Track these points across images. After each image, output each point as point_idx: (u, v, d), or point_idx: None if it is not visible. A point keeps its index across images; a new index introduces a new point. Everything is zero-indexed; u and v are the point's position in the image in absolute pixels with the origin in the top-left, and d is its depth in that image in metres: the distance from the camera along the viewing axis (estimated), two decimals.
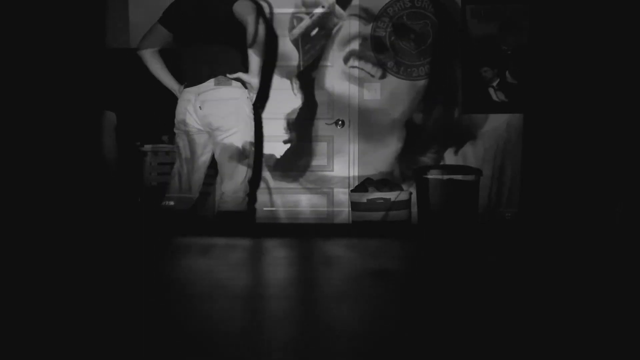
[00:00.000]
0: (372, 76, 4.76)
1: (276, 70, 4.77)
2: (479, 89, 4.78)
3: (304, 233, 4.25)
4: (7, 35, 3.29)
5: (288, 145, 4.82)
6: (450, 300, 1.31)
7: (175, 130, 3.35)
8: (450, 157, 4.78)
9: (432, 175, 4.32)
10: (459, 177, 4.34)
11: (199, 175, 3.34)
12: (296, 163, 4.83)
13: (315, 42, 4.75)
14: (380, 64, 4.76)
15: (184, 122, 3.24)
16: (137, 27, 4.89)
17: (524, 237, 3.06)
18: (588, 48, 4.00)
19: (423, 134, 4.76)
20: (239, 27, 3.06)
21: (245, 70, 3.12)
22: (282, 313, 1.21)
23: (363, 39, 4.77)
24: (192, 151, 3.28)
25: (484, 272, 1.70)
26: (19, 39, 3.36)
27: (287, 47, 4.76)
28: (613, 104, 3.87)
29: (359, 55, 4.76)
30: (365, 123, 4.80)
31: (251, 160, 3.25)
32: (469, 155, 4.77)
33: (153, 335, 1.03)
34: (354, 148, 4.82)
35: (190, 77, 3.22)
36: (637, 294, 1.41)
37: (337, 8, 4.73)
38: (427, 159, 4.79)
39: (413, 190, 4.56)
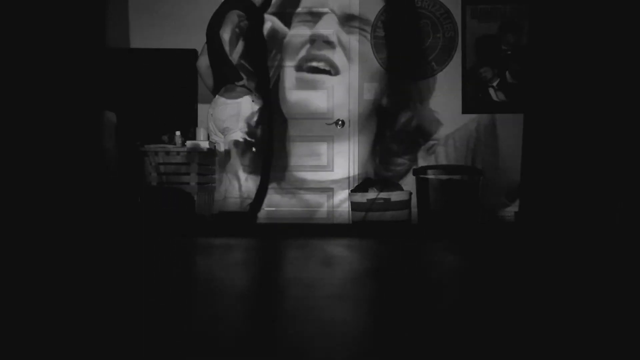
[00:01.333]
0: (328, 72, 4.77)
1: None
2: (479, 89, 4.78)
3: (304, 233, 4.25)
4: (7, 36, 3.29)
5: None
6: (449, 300, 1.32)
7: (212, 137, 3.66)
8: (423, 157, 4.77)
9: (432, 175, 4.32)
10: (459, 177, 4.34)
11: (241, 179, 3.45)
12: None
13: (272, 62, 4.78)
14: (332, 63, 4.78)
15: (209, 134, 3.60)
16: (137, 27, 4.90)
17: (524, 237, 3.07)
18: (588, 48, 3.99)
19: (391, 135, 4.76)
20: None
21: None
22: (282, 313, 1.21)
23: (311, 41, 4.77)
24: (231, 157, 3.50)
25: (483, 271, 1.71)
26: (19, 39, 3.36)
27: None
28: (613, 103, 3.87)
29: (309, 58, 4.77)
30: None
31: (255, 163, 3.29)
32: (441, 154, 4.77)
33: (152, 335, 1.03)
34: (354, 148, 4.82)
35: (213, 90, 3.50)
36: (637, 294, 1.41)
37: (279, 25, 4.77)
38: (402, 159, 4.79)
39: (413, 190, 4.55)
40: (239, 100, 3.28)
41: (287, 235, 3.60)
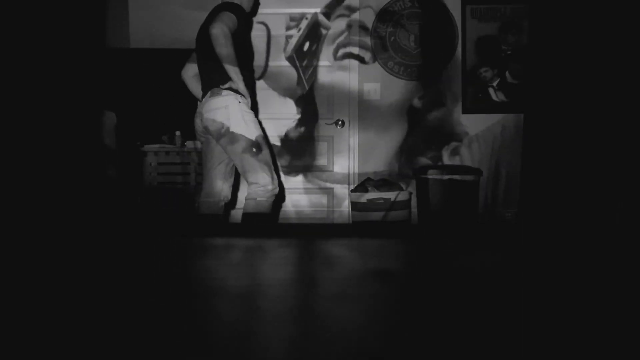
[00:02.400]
0: (363, 59, 4.77)
1: (280, 91, 4.82)
2: (479, 89, 4.78)
3: (304, 233, 4.25)
4: (8, 35, 3.30)
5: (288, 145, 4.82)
6: (450, 300, 1.32)
7: (199, 139, 3.66)
8: (447, 157, 4.79)
9: (432, 175, 4.32)
10: (459, 177, 4.34)
11: (221, 180, 3.47)
12: (295, 163, 4.84)
13: (311, 56, 4.80)
14: (367, 47, 4.78)
15: (198, 139, 3.61)
16: (137, 27, 4.90)
17: (524, 237, 3.06)
18: (588, 48, 3.99)
19: (419, 134, 4.77)
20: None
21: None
22: (282, 313, 1.22)
23: (348, 26, 4.79)
24: (208, 159, 3.53)
25: (484, 272, 1.71)
26: (19, 39, 3.36)
27: (284, 69, 4.82)
28: (613, 103, 3.87)
29: (345, 43, 4.79)
30: (363, 119, 4.81)
31: (263, 156, 3.30)
32: (465, 155, 4.77)
33: (153, 335, 1.03)
34: (353, 144, 4.82)
35: (203, 95, 3.46)
36: (637, 294, 1.41)
37: (321, 18, 4.78)
38: (425, 159, 4.79)
39: (413, 190, 4.56)
40: (227, 104, 3.29)
41: (286, 235, 3.60)
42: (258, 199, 3.29)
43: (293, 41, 4.78)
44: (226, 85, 3.28)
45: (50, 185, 3.39)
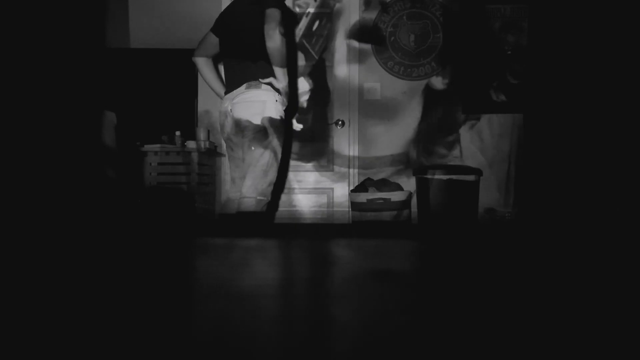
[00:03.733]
0: (380, 41, 4.76)
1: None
2: (479, 89, 4.78)
3: (303, 233, 4.25)
4: (7, 35, 3.30)
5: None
6: (451, 300, 1.32)
7: (223, 140, 3.53)
8: (465, 133, 4.76)
9: (432, 175, 4.33)
10: (459, 177, 4.34)
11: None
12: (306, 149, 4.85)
13: (321, 31, 4.76)
14: (380, 31, 4.77)
15: (224, 131, 3.39)
16: (137, 27, 4.91)
17: (524, 237, 3.07)
18: (588, 48, 4.00)
19: (437, 113, 4.76)
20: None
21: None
22: (282, 313, 1.22)
23: (365, 3, 4.77)
24: (233, 158, 3.40)
25: (484, 272, 1.71)
26: (18, 39, 3.36)
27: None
28: (613, 103, 3.87)
29: (360, 22, 4.77)
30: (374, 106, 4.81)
31: (271, 165, 3.26)
32: (485, 131, 4.75)
33: (153, 336, 1.04)
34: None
35: (229, 85, 3.35)
36: (637, 295, 1.41)
37: None
38: (443, 150, 4.78)
39: (413, 190, 4.56)
40: (266, 99, 3.20)
41: (286, 235, 3.60)
42: (258, 197, 3.26)
43: (301, 26, 4.74)
44: (267, 80, 3.20)
45: (49, 185, 3.39)
